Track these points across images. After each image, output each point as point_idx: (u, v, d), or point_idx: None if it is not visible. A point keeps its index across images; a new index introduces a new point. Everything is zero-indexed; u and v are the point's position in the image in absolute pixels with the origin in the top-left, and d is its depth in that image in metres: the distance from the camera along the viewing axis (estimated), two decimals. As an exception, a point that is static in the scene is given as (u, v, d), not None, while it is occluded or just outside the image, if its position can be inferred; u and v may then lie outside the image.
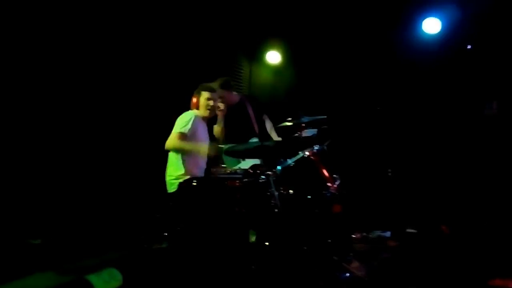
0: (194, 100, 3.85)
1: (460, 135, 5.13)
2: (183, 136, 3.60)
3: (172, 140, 3.59)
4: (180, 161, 3.64)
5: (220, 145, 3.80)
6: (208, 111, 3.82)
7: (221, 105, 4.11)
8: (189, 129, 3.61)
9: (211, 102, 3.82)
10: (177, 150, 3.64)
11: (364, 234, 4.40)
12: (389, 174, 5.01)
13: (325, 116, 3.92)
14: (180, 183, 3.51)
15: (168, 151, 3.67)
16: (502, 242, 3.77)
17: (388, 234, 4.49)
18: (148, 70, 4.67)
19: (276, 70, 6.28)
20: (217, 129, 4.18)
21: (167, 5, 4.79)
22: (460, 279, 3.23)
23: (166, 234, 3.51)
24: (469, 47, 5.07)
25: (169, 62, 4.88)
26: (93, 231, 3.99)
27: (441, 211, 4.69)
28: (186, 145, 3.62)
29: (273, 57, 6.10)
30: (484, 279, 3.14)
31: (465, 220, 4.47)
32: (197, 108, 3.84)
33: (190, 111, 3.81)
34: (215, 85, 4.00)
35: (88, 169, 4.18)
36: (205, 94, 3.82)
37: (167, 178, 3.70)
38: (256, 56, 6.19)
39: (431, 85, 5.34)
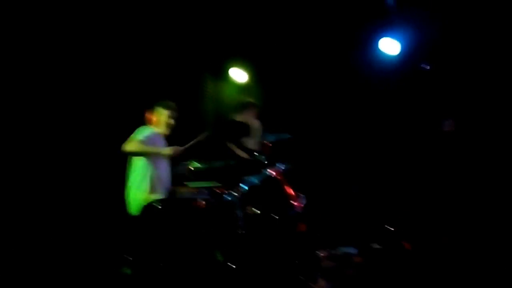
0: (152, 117, 3.80)
1: (421, 152, 5.28)
2: (143, 143, 3.51)
3: (131, 144, 3.46)
4: (144, 180, 3.55)
5: (180, 148, 3.69)
6: (167, 129, 3.79)
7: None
8: (149, 139, 3.54)
9: (171, 120, 3.78)
10: (136, 154, 3.50)
11: (330, 251, 4.41)
12: (354, 190, 5.07)
13: (289, 135, 3.96)
14: (145, 206, 3.42)
15: (126, 152, 3.51)
16: (463, 258, 3.87)
17: (353, 250, 4.52)
18: (108, 86, 4.60)
19: (243, 88, 6.30)
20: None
21: (133, 22, 4.77)
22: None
23: (130, 259, 3.41)
24: (426, 67, 5.26)
25: (132, 79, 4.83)
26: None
27: (404, 227, 4.78)
28: (147, 148, 3.50)
29: (239, 75, 6.12)
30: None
31: (427, 235, 4.57)
32: (155, 125, 3.79)
33: (147, 126, 3.73)
34: (173, 104, 3.92)
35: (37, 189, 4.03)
36: (165, 112, 3.78)
37: (130, 198, 3.59)
38: (222, 74, 6.20)
39: (392, 104, 5.49)
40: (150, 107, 3.86)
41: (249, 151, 4.10)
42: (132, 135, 3.57)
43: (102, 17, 4.50)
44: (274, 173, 3.58)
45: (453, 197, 4.85)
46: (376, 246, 4.63)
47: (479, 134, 4.96)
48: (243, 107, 4.35)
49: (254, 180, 3.53)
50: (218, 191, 3.64)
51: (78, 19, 4.30)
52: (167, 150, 3.61)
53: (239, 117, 4.38)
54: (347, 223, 4.94)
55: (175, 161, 3.88)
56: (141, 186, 3.55)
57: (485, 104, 4.96)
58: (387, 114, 5.49)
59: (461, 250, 3.98)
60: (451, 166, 5.06)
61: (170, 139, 3.92)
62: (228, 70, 6.05)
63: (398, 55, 5.30)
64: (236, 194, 3.31)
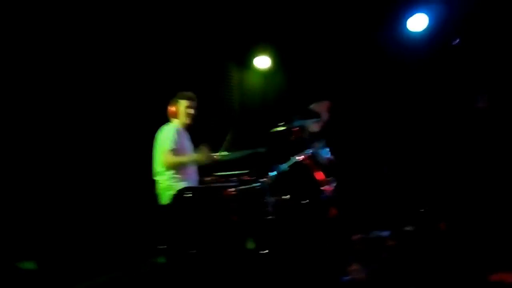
0: (173, 109, 3.83)
1: (454, 130, 5.13)
2: (175, 152, 3.58)
3: (167, 159, 3.56)
4: (171, 171, 3.61)
5: (211, 153, 3.75)
6: (188, 119, 3.82)
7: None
8: (176, 143, 3.60)
9: (191, 110, 3.82)
10: (175, 167, 3.61)
11: (363, 235, 4.37)
12: (385, 172, 4.99)
13: (318, 119, 3.91)
14: (175, 195, 3.47)
15: (168, 169, 3.62)
16: (500, 237, 3.76)
17: (386, 233, 4.46)
18: (134, 77, 4.65)
19: (266, 75, 6.27)
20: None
21: (154, 12, 4.78)
22: (460, 275, 3.21)
23: (163, 247, 3.47)
24: (455, 42, 5.08)
25: (158, 70, 4.87)
26: (85, 251, 3.93)
27: (438, 208, 4.67)
28: (183, 159, 3.61)
29: (263, 62, 6.08)
30: (484, 275, 3.13)
31: (462, 216, 4.46)
32: (176, 117, 3.83)
33: (169, 124, 3.79)
34: (191, 93, 3.95)
35: (74, 186, 4.14)
36: (184, 103, 3.83)
37: (159, 189, 3.66)
38: (246, 62, 6.17)
39: (421, 82, 5.34)
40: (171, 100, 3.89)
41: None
42: (160, 143, 3.62)
43: (125, 7, 4.53)
44: (302, 158, 3.55)
45: (487, 177, 4.70)
46: (409, 228, 4.56)
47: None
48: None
49: (283, 166, 3.51)
50: (247, 179, 3.64)
51: (96, 8, 4.33)
52: (199, 157, 3.63)
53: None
54: (378, 205, 4.88)
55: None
56: (169, 177, 3.60)
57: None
58: (417, 93, 5.34)
59: (500, 232, 3.86)
60: (485, 144, 4.90)
61: (195, 130, 3.95)
62: (252, 58, 6.04)
63: (426, 30, 5.14)
64: (265, 181, 3.30)
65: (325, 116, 4.40)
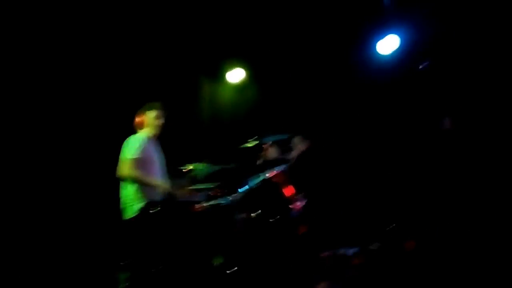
0: (139, 120, 3.75)
1: (418, 151, 5.25)
2: (137, 163, 3.46)
3: (126, 168, 3.44)
4: (138, 186, 3.50)
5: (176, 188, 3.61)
6: (156, 129, 3.75)
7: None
8: (142, 152, 3.50)
9: (159, 121, 3.75)
10: (132, 180, 3.48)
11: (330, 252, 4.37)
12: (353, 189, 5.04)
13: (287, 135, 3.91)
14: (140, 209, 3.36)
15: (122, 179, 3.50)
16: (466, 258, 3.83)
17: (353, 251, 4.48)
18: (100, 90, 4.54)
19: (238, 89, 6.26)
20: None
21: (125, 23, 4.72)
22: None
23: (126, 263, 3.35)
24: (423, 65, 5.23)
25: (128, 82, 4.78)
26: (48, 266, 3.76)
27: (405, 226, 4.74)
28: (144, 178, 3.47)
29: (234, 76, 6.07)
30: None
31: (429, 234, 4.53)
32: (142, 128, 3.74)
33: (137, 134, 3.69)
34: (157, 104, 3.86)
35: (33, 198, 3.97)
36: (152, 113, 3.75)
37: (123, 203, 3.53)
38: (217, 75, 6.14)
39: (389, 103, 5.46)
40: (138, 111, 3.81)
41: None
42: (123, 152, 3.51)
43: (93, 18, 4.44)
44: (272, 175, 3.52)
45: (452, 196, 4.82)
46: (376, 246, 4.60)
47: (477, 133, 4.93)
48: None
49: (253, 183, 3.48)
50: (215, 193, 3.58)
51: (68, 19, 4.23)
52: (166, 187, 3.52)
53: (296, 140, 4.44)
54: (346, 222, 4.90)
55: (172, 165, 3.83)
56: (134, 190, 3.49)
57: (483, 102, 4.93)
58: (385, 113, 5.45)
59: (461, 249, 3.94)
60: (449, 165, 5.03)
61: (165, 141, 3.87)
62: (223, 71, 6.02)
63: (396, 53, 5.27)
64: (233, 198, 3.25)
65: (295, 152, 4.32)
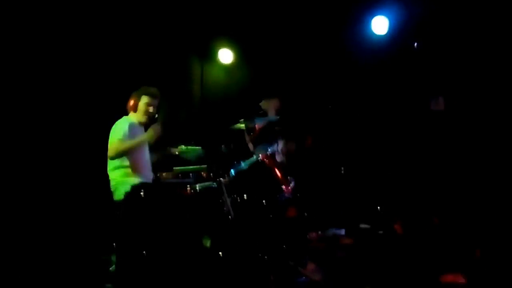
0: (132, 102, 3.66)
1: (409, 131, 5.25)
2: (123, 142, 3.42)
3: (114, 148, 3.40)
4: (124, 165, 3.46)
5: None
6: (145, 117, 3.63)
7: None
8: (127, 136, 3.44)
9: (150, 108, 3.63)
10: (122, 154, 3.44)
11: (319, 232, 4.40)
12: (342, 171, 5.04)
13: (278, 117, 3.87)
14: (128, 192, 3.33)
15: (112, 159, 3.47)
16: (452, 238, 3.88)
17: (342, 231, 4.51)
18: (92, 69, 4.45)
19: (229, 68, 6.18)
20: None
21: (116, 2, 4.61)
22: (413, 276, 3.28)
23: (114, 245, 3.34)
24: (415, 45, 5.18)
25: (115, 61, 4.68)
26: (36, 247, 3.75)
27: (394, 208, 4.77)
28: (131, 142, 3.42)
29: (225, 56, 5.99)
30: (435, 276, 3.21)
31: (417, 216, 4.57)
32: (134, 111, 3.66)
33: (123, 118, 3.62)
34: (155, 90, 3.75)
35: (25, 180, 3.92)
36: (145, 99, 3.63)
37: (112, 185, 3.51)
38: (208, 54, 6.05)
39: (379, 83, 5.43)
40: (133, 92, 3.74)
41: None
42: (111, 135, 3.46)
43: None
44: (262, 157, 3.50)
45: (442, 178, 4.84)
46: (365, 226, 4.64)
47: (468, 113, 4.93)
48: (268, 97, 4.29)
49: (242, 165, 3.45)
50: (204, 175, 3.56)
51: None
52: (147, 135, 3.48)
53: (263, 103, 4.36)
54: (336, 204, 4.92)
55: (161, 144, 3.78)
56: (122, 172, 3.46)
57: (474, 82, 4.91)
58: (377, 94, 5.43)
59: (450, 232, 3.98)
60: (440, 146, 5.04)
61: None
62: (214, 51, 5.93)
63: (387, 33, 5.22)
64: (223, 180, 3.23)
65: (272, 114, 4.29)
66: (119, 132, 3.43)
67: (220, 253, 3.03)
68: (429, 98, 5.25)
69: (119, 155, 3.43)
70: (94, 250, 3.82)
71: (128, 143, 3.41)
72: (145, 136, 3.50)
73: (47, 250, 3.81)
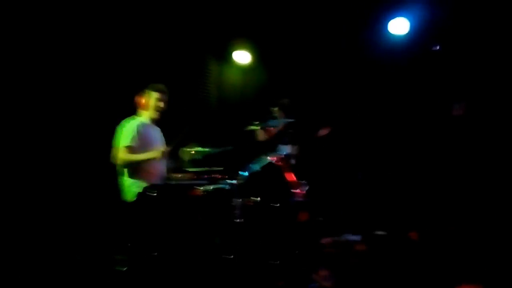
0: (142, 100, 3.67)
1: (430, 137, 5.12)
2: (130, 150, 3.43)
3: (121, 156, 3.42)
4: (137, 169, 3.47)
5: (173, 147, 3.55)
6: (157, 113, 3.66)
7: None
8: (136, 140, 3.44)
9: (161, 104, 3.66)
10: (125, 167, 3.46)
11: (333, 238, 4.32)
12: (358, 177, 4.95)
13: (293, 119, 3.82)
14: (139, 193, 3.32)
15: (120, 166, 3.48)
16: (468, 249, 3.76)
17: (357, 237, 4.43)
18: (112, 68, 4.48)
19: (246, 70, 6.15)
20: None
21: (133, 2, 4.61)
22: (427, 285, 3.18)
23: (125, 246, 3.33)
24: (436, 48, 5.06)
25: (135, 62, 4.69)
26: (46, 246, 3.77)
27: (411, 215, 4.66)
28: (137, 157, 3.44)
29: (242, 57, 5.96)
30: (450, 285, 3.11)
31: (433, 224, 4.45)
32: (145, 109, 3.67)
33: (133, 118, 3.62)
34: (162, 86, 3.77)
35: (33, 177, 3.95)
36: (154, 95, 3.66)
37: (122, 185, 3.51)
38: (225, 56, 6.04)
39: (399, 87, 5.32)
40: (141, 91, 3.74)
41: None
42: (117, 139, 3.46)
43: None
44: (275, 160, 3.45)
45: (460, 185, 4.71)
46: (380, 233, 4.54)
47: (489, 118, 4.78)
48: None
49: (255, 166, 3.41)
50: (217, 177, 3.52)
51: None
52: (156, 154, 3.48)
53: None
54: (351, 210, 4.84)
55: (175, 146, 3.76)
56: (134, 174, 3.46)
57: (495, 87, 4.77)
58: (396, 97, 5.31)
59: (467, 240, 3.86)
60: (459, 152, 4.90)
61: (168, 124, 3.80)
62: (231, 52, 5.91)
63: (408, 35, 5.10)
64: (235, 182, 3.19)
65: (280, 116, 4.24)
66: (127, 137, 3.44)
67: (231, 256, 2.99)
68: (452, 102, 5.12)
69: (127, 165, 3.44)
70: (104, 251, 3.82)
71: (134, 157, 3.44)
72: (153, 154, 3.49)
73: (55, 251, 3.82)
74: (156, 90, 3.67)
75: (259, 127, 3.71)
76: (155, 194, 3.19)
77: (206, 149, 3.63)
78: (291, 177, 3.44)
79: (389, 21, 5.13)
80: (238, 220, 3.07)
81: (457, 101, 5.08)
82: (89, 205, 4.12)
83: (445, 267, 3.45)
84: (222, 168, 3.60)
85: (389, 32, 5.17)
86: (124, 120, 3.61)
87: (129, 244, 3.27)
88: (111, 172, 3.56)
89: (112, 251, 3.40)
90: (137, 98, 3.69)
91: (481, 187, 4.58)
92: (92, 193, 4.14)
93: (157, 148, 3.54)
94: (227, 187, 3.23)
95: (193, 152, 3.80)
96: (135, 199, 3.35)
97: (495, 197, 4.40)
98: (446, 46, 4.94)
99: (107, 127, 3.89)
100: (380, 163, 5.21)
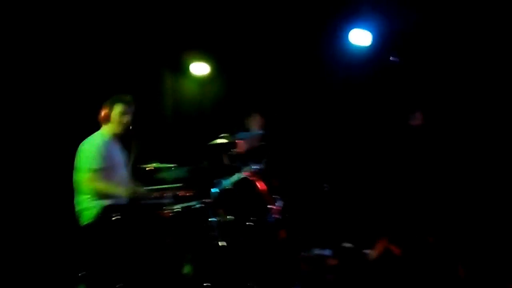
0: (104, 113, 3.34)
1: (390, 146, 5.15)
2: (98, 174, 3.09)
3: (85, 181, 3.06)
4: (96, 190, 3.11)
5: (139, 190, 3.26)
6: (120, 127, 3.33)
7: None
8: (102, 161, 3.12)
9: (125, 117, 3.33)
10: (96, 191, 3.12)
11: (305, 253, 4.17)
12: (326, 189, 4.85)
13: (262, 132, 3.65)
14: (98, 214, 2.97)
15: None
16: (446, 259, 3.74)
17: (328, 252, 4.30)
18: (61, 84, 4.18)
19: (203, 82, 5.94)
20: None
21: (87, 12, 4.36)
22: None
23: (83, 274, 2.97)
24: (395, 59, 5.12)
25: (86, 73, 4.40)
26: None
27: (381, 225, 4.62)
28: (107, 188, 3.11)
29: (199, 69, 5.75)
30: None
31: (402, 235, 4.42)
32: (107, 122, 3.35)
33: (96, 135, 3.31)
34: (128, 97, 3.45)
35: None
36: (118, 107, 3.32)
37: (79, 207, 3.14)
38: (181, 68, 5.80)
39: (359, 97, 5.33)
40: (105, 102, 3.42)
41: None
42: (84, 159, 3.14)
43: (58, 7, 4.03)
44: (248, 174, 3.24)
45: (425, 194, 4.74)
46: (348, 245, 4.45)
47: (449, 128, 4.88)
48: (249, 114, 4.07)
49: (226, 182, 3.17)
50: (183, 195, 3.25)
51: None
52: (126, 193, 3.17)
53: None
54: (318, 223, 4.72)
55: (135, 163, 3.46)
56: (92, 195, 3.10)
57: (455, 97, 4.89)
58: (357, 108, 5.32)
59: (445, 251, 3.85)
60: (420, 161, 4.95)
61: (127, 137, 3.49)
62: (187, 64, 5.68)
63: (368, 46, 5.13)
64: (206, 200, 2.94)
65: (254, 129, 4.10)
66: (93, 159, 3.10)
67: (205, 284, 2.72)
68: (407, 113, 5.19)
69: (93, 191, 3.10)
70: (60, 279, 3.42)
71: (104, 187, 3.10)
72: (123, 192, 3.16)
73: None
74: (120, 102, 3.33)
75: (228, 140, 3.47)
76: (116, 216, 2.84)
77: (171, 166, 3.34)
78: (265, 192, 3.24)
79: (349, 32, 5.13)
80: (219, 243, 2.78)
81: (415, 111, 5.16)
82: (44, 230, 3.69)
83: (422, 278, 3.39)
84: (189, 185, 3.33)
85: (349, 43, 5.17)
86: (87, 138, 3.26)
87: (87, 273, 2.90)
88: (65, 191, 3.18)
89: (71, 280, 3.01)
90: (101, 111, 3.34)
91: (440, 194, 4.64)
92: (48, 216, 3.72)
93: (127, 186, 3.22)
94: (197, 205, 2.97)
95: (153, 168, 3.52)
96: (92, 221, 2.98)
97: (460, 206, 4.45)
98: (407, 57, 5.01)
99: (62, 144, 3.54)
100: (346, 174, 5.16)
